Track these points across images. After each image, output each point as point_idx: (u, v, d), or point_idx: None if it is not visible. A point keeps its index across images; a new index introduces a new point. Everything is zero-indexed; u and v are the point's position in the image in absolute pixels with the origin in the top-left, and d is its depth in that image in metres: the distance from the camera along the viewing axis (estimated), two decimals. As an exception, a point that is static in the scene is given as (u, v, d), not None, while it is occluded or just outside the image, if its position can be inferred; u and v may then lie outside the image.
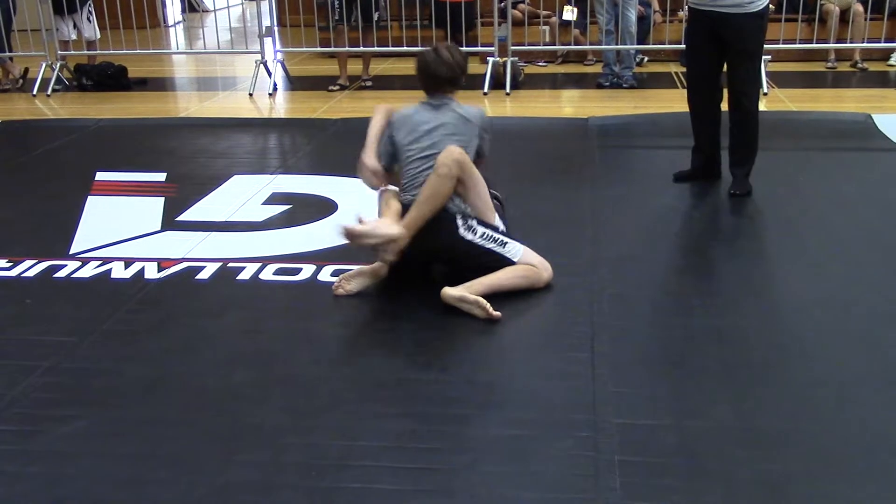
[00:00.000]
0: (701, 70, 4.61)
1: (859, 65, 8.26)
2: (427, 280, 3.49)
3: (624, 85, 7.65)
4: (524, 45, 8.26)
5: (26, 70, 8.38)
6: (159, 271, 3.61)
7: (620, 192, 4.67)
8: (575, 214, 4.24)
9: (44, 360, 2.90)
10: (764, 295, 3.34)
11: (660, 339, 3.00)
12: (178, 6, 14.18)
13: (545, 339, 3.01)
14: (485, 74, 7.61)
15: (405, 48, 8.27)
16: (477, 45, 8.13)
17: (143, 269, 3.65)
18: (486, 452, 2.34)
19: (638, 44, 7.97)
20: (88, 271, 3.66)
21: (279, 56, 8.35)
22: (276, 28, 8.85)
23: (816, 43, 8.26)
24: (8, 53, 8.29)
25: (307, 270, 3.60)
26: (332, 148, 5.91)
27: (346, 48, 7.98)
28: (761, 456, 2.30)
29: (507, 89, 7.50)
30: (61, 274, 3.63)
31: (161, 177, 5.09)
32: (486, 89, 7.52)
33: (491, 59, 7.69)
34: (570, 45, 8.85)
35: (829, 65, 8.37)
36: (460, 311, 3.13)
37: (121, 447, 2.41)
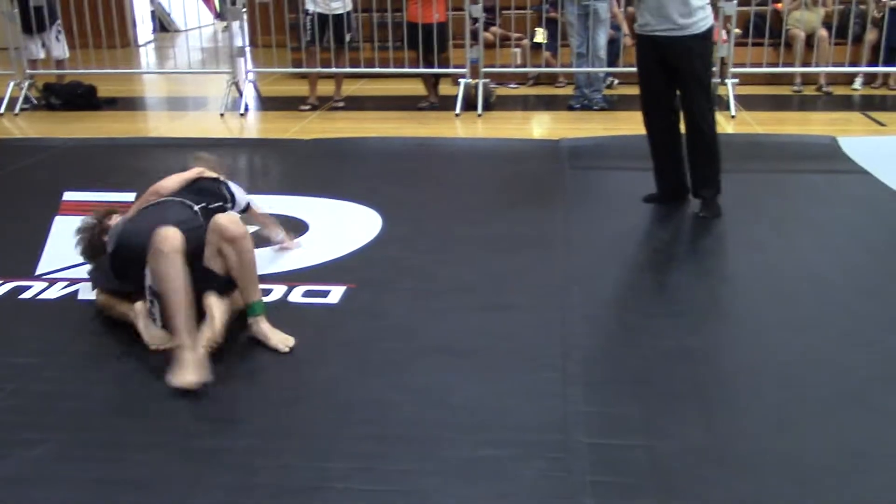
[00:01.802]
0: (653, 95, 4.62)
1: (824, 88, 8.40)
2: (395, 301, 3.49)
3: (594, 107, 7.72)
4: (496, 67, 8.32)
5: (-6, 89, 8.30)
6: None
7: (591, 213, 4.70)
8: (546, 235, 4.26)
9: (9, 382, 2.85)
10: (732, 316, 3.37)
11: (631, 359, 3.00)
12: (148, 26, 14.12)
13: (516, 359, 3.01)
14: (457, 96, 7.65)
15: (377, 69, 8.30)
16: (449, 67, 8.16)
17: (110, 289, 3.60)
18: (457, 474, 2.33)
19: (608, 66, 8.05)
20: (55, 292, 3.61)
21: (251, 76, 8.33)
22: (247, 48, 8.83)
23: (783, 67, 8.39)
24: (-25, 72, 8.20)
25: (278, 291, 3.58)
26: (303, 168, 5.90)
27: (318, 69, 7.99)
28: (733, 476, 2.31)
29: (479, 111, 7.54)
30: (27, 295, 3.58)
31: (130, 197, 5.02)
32: (458, 111, 7.55)
33: (463, 81, 7.73)
34: (541, 67, 8.92)
35: (795, 88, 8.50)
36: (432, 331, 3.13)
37: (86, 472, 2.37)
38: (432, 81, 8.04)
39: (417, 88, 8.16)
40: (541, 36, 8.95)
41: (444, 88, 8.17)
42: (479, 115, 7.50)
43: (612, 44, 8.22)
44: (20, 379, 2.88)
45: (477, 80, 7.66)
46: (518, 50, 9.14)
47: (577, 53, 7.79)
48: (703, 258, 4.05)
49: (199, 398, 2.75)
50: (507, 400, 2.72)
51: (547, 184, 5.27)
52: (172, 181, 3.50)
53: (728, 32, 7.48)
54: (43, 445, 2.48)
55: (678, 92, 4.51)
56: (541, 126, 7.58)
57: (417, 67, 7.92)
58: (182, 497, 2.25)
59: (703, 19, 4.34)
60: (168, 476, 2.34)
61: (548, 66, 8.77)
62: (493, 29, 8.81)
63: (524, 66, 8.97)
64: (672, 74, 4.46)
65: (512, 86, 9.07)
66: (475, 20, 7.78)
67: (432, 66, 7.89)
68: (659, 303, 3.50)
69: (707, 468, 2.34)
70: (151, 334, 3.10)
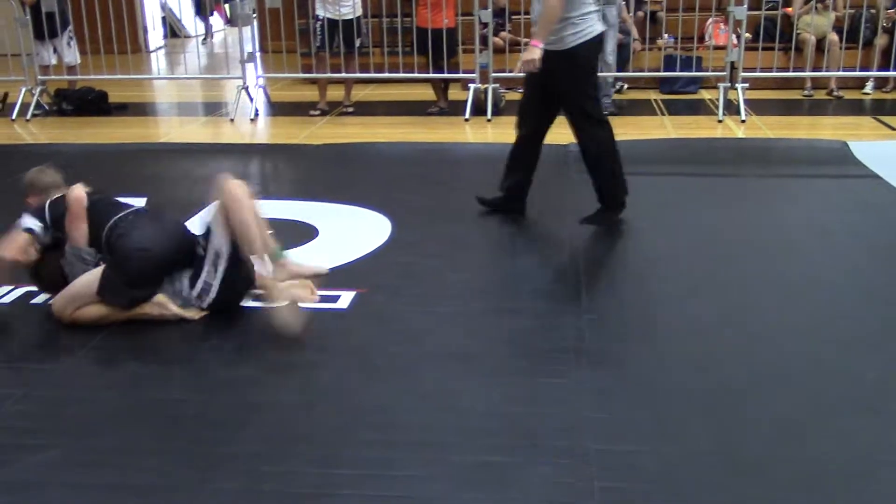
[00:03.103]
0: (525, 106, 4.59)
1: (835, 93, 8.37)
2: (404, 306, 3.49)
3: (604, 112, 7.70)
4: (505, 72, 8.32)
5: (6, 95, 8.35)
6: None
7: (600, 218, 4.68)
8: (554, 240, 4.25)
9: (17, 388, 2.87)
10: (740, 321, 3.35)
11: (640, 364, 2.99)
12: (159, 32, 14.19)
13: (524, 364, 3.00)
14: (466, 101, 7.65)
15: (387, 74, 8.31)
16: (458, 72, 8.17)
17: (120, 294, 3.61)
18: (465, 480, 2.33)
19: (618, 71, 8.04)
20: (65, 297, 3.62)
21: (261, 81, 8.36)
22: (257, 54, 8.86)
23: (793, 71, 8.37)
24: (-13, 78, 8.26)
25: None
26: (313, 173, 5.91)
27: (328, 74, 8.01)
28: (741, 482, 2.30)
29: (489, 116, 7.54)
30: (38, 300, 3.60)
31: (141, 202, 5.05)
32: (467, 115, 7.56)
33: (472, 86, 7.73)
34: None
35: (806, 93, 8.47)
36: (441, 336, 3.13)
37: (93, 477, 2.37)
38: (442, 86, 8.04)
39: (427, 93, 8.17)
40: (550, 41, 8.94)
41: (454, 93, 8.17)
42: (489, 120, 7.50)
43: (622, 49, 8.21)
44: (28, 384, 2.89)
45: (486, 85, 7.67)
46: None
47: (588, 58, 7.78)
48: (711, 264, 4.03)
49: (202, 402, 2.76)
50: (515, 405, 2.71)
51: (556, 188, 5.26)
52: (80, 220, 3.44)
53: (738, 37, 7.46)
54: (50, 451, 2.49)
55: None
56: (550, 131, 7.56)
57: (427, 72, 7.93)
58: (189, 501, 2.25)
59: (569, 35, 4.20)
60: (175, 482, 2.34)
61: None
62: (503, 34, 8.81)
63: (534, 70, 8.96)
64: (544, 88, 4.37)
65: (521, 90, 9.06)
66: (485, 25, 7.79)
67: (442, 72, 7.89)
68: (668, 309, 3.49)
69: (715, 474, 2.33)
70: (189, 310, 3.36)
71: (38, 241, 3.41)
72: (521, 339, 3.21)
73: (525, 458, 2.41)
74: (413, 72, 8.05)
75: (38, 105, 8.14)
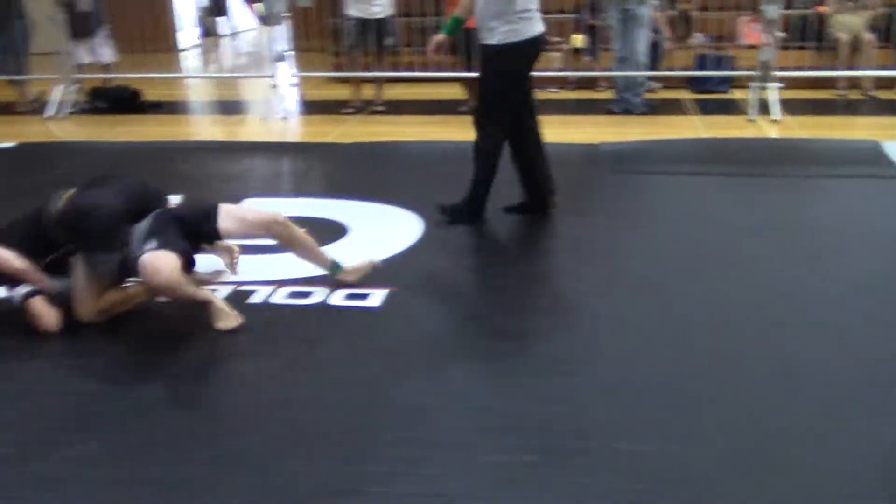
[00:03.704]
0: None
1: (869, 93, 8.27)
2: (434, 305, 3.51)
3: (635, 111, 7.68)
4: (536, 72, 8.29)
5: (42, 93, 8.47)
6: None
7: (631, 217, 4.68)
8: (583, 240, 4.25)
9: (48, 384, 2.93)
10: (763, 321, 3.33)
11: (662, 365, 2.99)
12: (194, 31, 14.32)
13: (549, 364, 3.01)
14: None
15: (418, 73, 8.34)
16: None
17: (154, 291, 3.67)
18: (490, 479, 2.34)
19: (649, 70, 8.01)
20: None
21: (293, 80, 8.42)
22: (290, 52, 8.93)
23: (826, 71, 8.28)
24: (25, 76, 8.39)
25: (319, 294, 3.62)
26: (344, 172, 5.95)
27: (359, 73, 8.05)
28: (762, 483, 2.29)
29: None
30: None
31: (175, 200, 5.12)
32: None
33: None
34: (580, 71, 8.90)
35: (839, 93, 8.39)
36: (470, 336, 3.14)
37: (122, 472, 2.42)
38: (472, 85, 8.04)
39: (458, 92, 8.18)
40: (580, 41, 8.93)
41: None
42: (519, 120, 7.48)
43: (654, 48, 8.18)
44: (59, 380, 2.96)
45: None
46: (558, 54, 9.12)
47: (620, 58, 7.76)
48: (743, 264, 4.01)
49: (234, 398, 2.80)
50: (541, 405, 2.72)
51: (586, 188, 5.26)
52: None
53: (771, 36, 7.40)
54: (75, 446, 2.53)
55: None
56: (580, 130, 7.56)
57: (457, 71, 7.95)
58: (214, 500, 2.29)
59: (503, 32, 4.21)
60: (199, 479, 2.38)
61: (588, 70, 8.74)
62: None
63: (564, 70, 8.95)
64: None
65: (552, 90, 9.06)
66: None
67: (472, 70, 7.89)
68: (694, 309, 3.48)
69: (734, 475, 2.33)
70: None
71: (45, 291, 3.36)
72: (544, 337, 3.22)
73: (549, 457, 2.43)
74: (444, 71, 8.07)
75: (75, 103, 8.26)
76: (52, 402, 2.81)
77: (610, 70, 8.09)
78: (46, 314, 3.30)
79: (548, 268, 3.91)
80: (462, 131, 7.17)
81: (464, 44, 7.66)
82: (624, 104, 7.77)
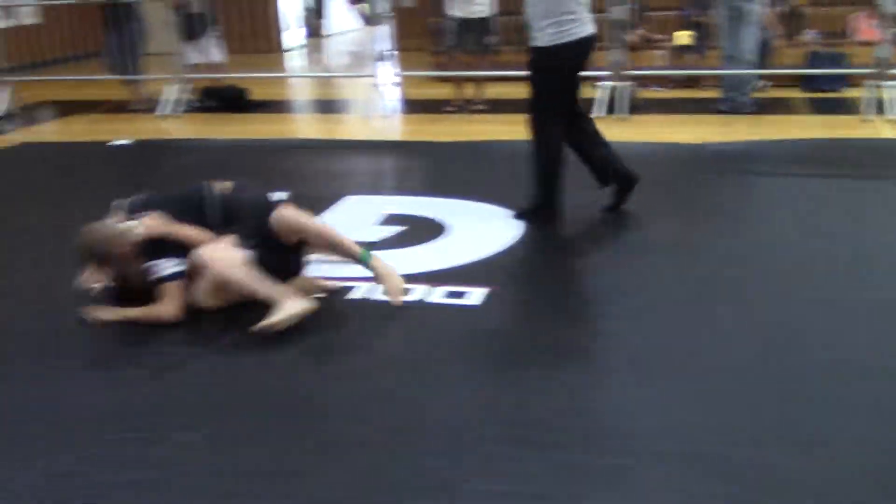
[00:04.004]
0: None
1: None
2: (535, 305, 3.48)
3: (743, 111, 7.48)
4: (640, 70, 8.18)
5: (155, 92, 8.79)
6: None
7: (735, 219, 4.56)
8: (687, 241, 4.16)
9: (167, 370, 3.03)
10: (880, 331, 3.18)
11: (772, 369, 2.89)
12: (300, 31, 14.63)
13: (649, 367, 2.95)
14: (597, 99, 7.57)
15: (519, 72, 8.30)
16: (590, 70, 8.07)
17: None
18: (589, 481, 2.31)
19: (757, 68, 7.78)
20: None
21: (395, 79, 8.50)
22: (392, 52, 9.02)
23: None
24: (139, 76, 8.72)
25: (418, 291, 3.64)
26: (444, 170, 5.97)
27: (460, 72, 8.08)
28: (884, 496, 2.20)
29: (621, 114, 7.43)
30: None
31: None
32: (598, 114, 7.47)
33: (604, 84, 7.64)
34: (686, 69, 8.71)
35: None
36: (570, 336, 3.12)
37: (229, 459, 2.48)
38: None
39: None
40: (686, 38, 8.74)
41: (586, 91, 8.08)
42: (621, 119, 7.39)
43: (763, 45, 7.94)
44: (177, 368, 3.05)
45: (619, 83, 7.56)
46: (663, 52, 8.96)
47: (727, 56, 7.57)
48: (850, 269, 3.83)
49: (336, 391, 2.83)
50: (642, 408, 2.67)
51: (690, 189, 5.15)
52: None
53: (888, 31, 7.09)
54: (192, 432, 2.61)
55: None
56: (685, 130, 7.40)
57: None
58: (318, 487, 2.32)
59: (551, 34, 4.28)
60: (301, 468, 2.42)
61: (693, 68, 8.55)
62: (638, 31, 8.67)
63: (669, 68, 8.78)
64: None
65: (656, 88, 8.90)
66: (618, 22, 7.68)
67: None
68: (793, 315, 3.34)
69: (853, 486, 2.24)
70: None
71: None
72: (651, 342, 3.15)
73: (647, 460, 2.38)
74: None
75: (186, 102, 8.55)
76: (168, 389, 2.91)
77: (717, 68, 7.89)
78: (177, 301, 3.39)
79: (647, 269, 3.83)
80: (563, 130, 7.13)
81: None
82: (731, 103, 7.57)
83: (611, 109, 7.51)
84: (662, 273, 3.79)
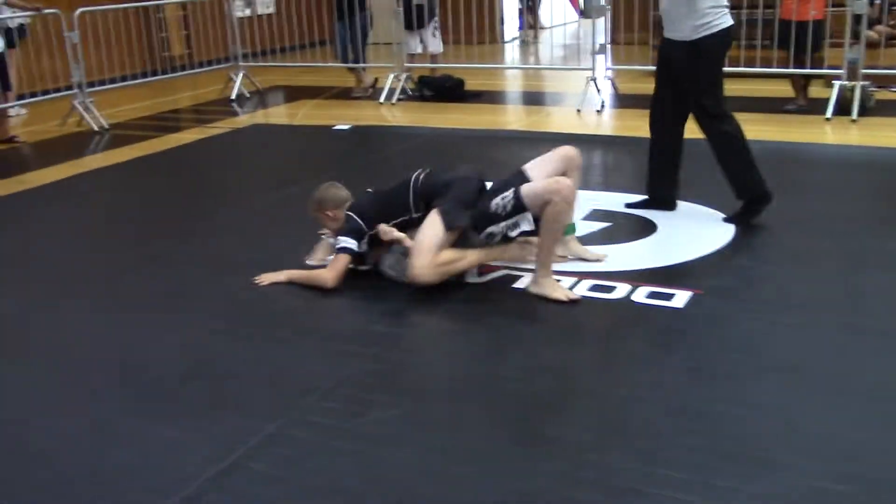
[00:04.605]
0: (657, 105, 4.66)
1: None
2: (742, 312, 3.33)
3: None
4: (878, 69, 7.60)
5: (376, 80, 9.14)
6: (479, 275, 3.76)
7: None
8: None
9: (372, 347, 3.15)
10: None
11: None
12: (516, 23, 14.72)
13: (869, 387, 2.73)
14: (829, 99, 7.10)
15: (743, 69, 7.96)
16: (822, 68, 7.61)
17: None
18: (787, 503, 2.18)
19: None
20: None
21: (609, 73, 8.37)
22: (608, 45, 8.89)
23: None
24: (363, 64, 9.09)
25: (622, 289, 3.57)
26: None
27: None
28: None
29: (854, 115, 6.94)
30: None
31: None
32: (829, 114, 7.01)
33: (837, 83, 7.16)
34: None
35: None
36: (776, 346, 2.96)
37: (429, 439, 2.54)
38: (802, 83, 7.54)
39: (784, 90, 7.70)
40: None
41: (816, 91, 7.63)
42: (854, 121, 6.90)
43: None
44: (381, 346, 3.17)
45: (855, 83, 7.06)
46: (904, 49, 8.28)
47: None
48: None
49: (539, 384, 2.83)
50: (855, 431, 2.49)
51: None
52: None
53: None
54: (392, 409, 2.70)
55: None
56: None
57: (787, 67, 7.48)
58: (514, 477, 2.33)
59: (698, 26, 4.22)
60: (502, 455, 2.44)
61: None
62: (879, 27, 8.07)
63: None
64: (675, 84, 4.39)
65: (893, 89, 8.24)
66: (858, 17, 7.17)
67: (803, 67, 7.40)
68: None
69: None
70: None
71: (356, 257, 3.70)
72: (868, 359, 2.93)
73: (861, 489, 2.21)
74: (771, 66, 7.63)
75: (403, 90, 8.83)
76: (369, 365, 3.02)
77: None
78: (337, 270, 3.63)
79: (873, 282, 3.56)
80: (784, 130, 6.76)
81: (789, 38, 7.21)
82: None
83: (841, 110, 7.03)
84: (881, 286, 3.51)
